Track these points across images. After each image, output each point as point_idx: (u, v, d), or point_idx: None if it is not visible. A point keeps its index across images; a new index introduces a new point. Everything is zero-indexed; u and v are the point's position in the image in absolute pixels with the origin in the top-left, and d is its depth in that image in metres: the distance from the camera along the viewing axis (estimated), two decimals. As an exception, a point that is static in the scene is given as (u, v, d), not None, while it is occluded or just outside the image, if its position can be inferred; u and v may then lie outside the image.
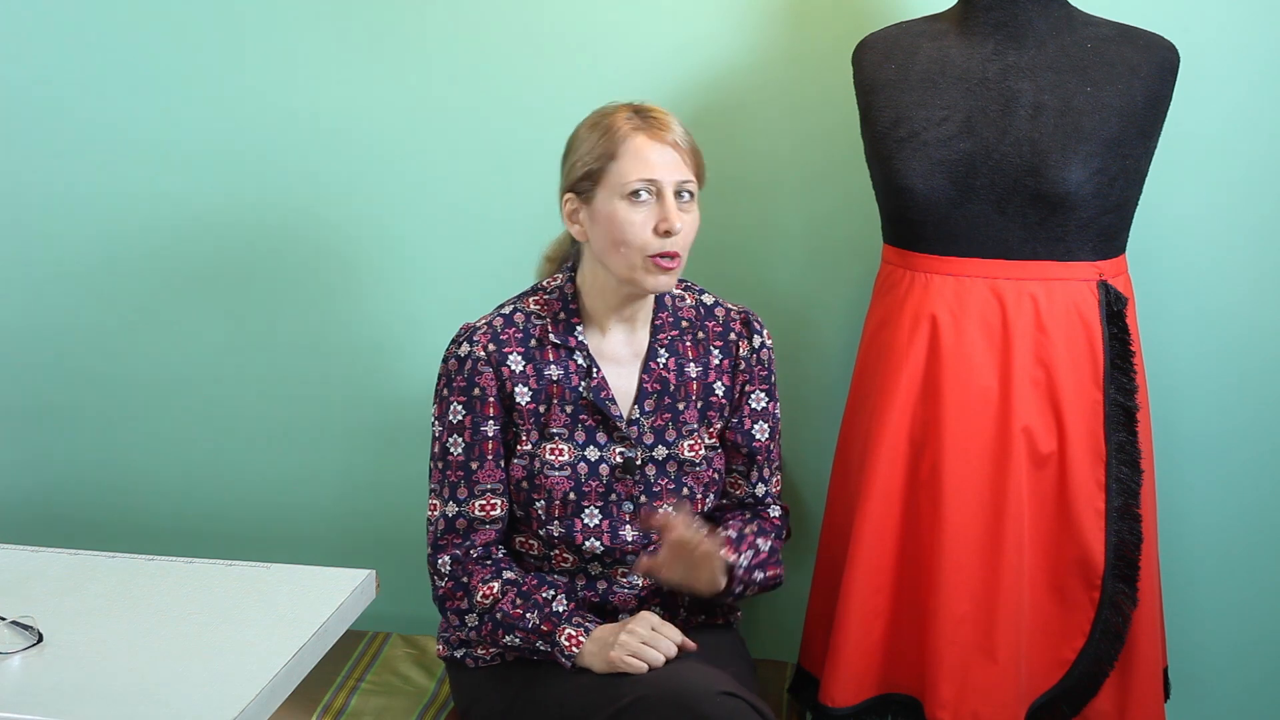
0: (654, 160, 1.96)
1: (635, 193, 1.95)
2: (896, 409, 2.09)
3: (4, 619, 1.72)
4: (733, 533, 2.06)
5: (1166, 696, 2.22)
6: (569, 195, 2.01)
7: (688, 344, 2.11)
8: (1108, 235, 2.07)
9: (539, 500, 2.04)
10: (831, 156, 2.42)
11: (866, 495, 2.10)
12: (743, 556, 2.03)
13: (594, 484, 2.04)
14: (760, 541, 2.07)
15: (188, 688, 1.59)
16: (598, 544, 2.05)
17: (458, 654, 2.13)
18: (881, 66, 2.14)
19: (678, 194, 1.97)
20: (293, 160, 2.58)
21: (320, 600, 1.81)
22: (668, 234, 1.95)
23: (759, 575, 2.07)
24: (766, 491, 2.16)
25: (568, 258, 2.13)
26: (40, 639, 1.68)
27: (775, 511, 2.17)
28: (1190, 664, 2.44)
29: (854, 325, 2.37)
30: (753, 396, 2.13)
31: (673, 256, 1.96)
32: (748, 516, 2.15)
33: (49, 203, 2.67)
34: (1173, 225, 2.35)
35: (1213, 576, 2.45)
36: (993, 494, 2.05)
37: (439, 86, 2.51)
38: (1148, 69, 2.06)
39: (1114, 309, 2.07)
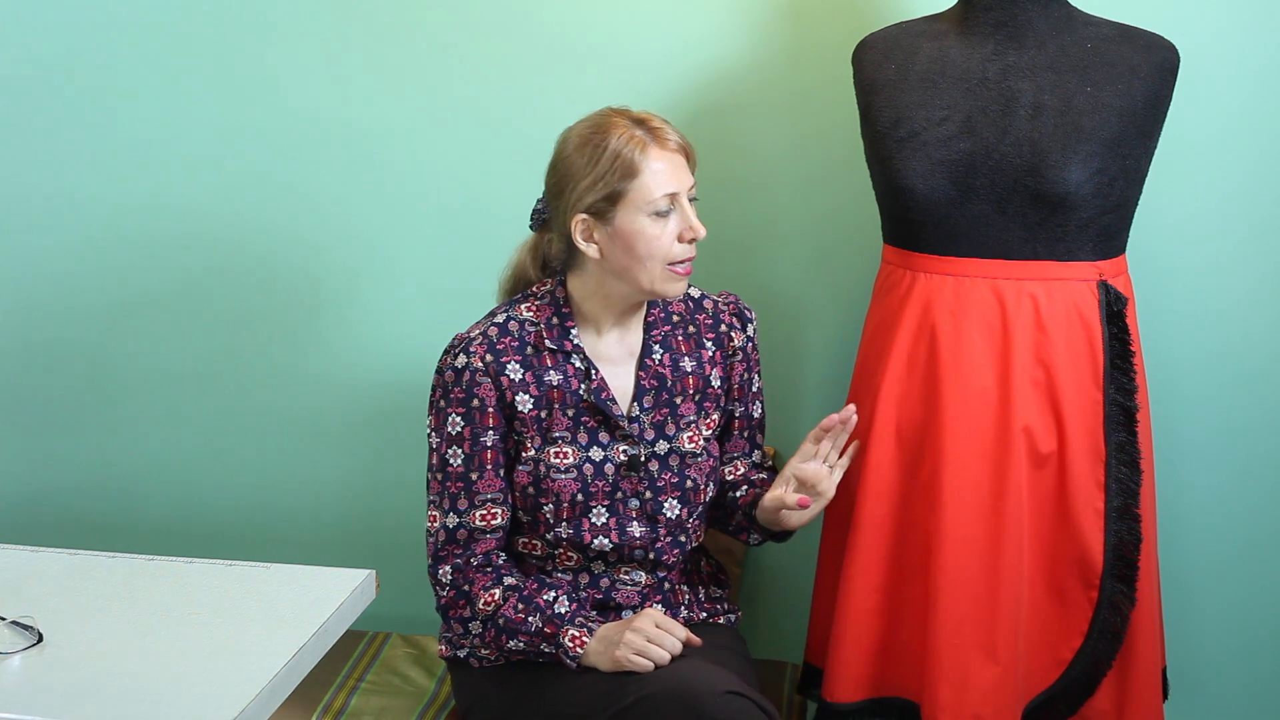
0: (670, 173, 1.98)
1: (661, 208, 1.97)
2: (896, 409, 2.09)
3: (4, 619, 1.72)
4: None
5: (1165, 696, 2.21)
6: (583, 217, 2.00)
7: (679, 339, 2.12)
8: (1108, 235, 2.07)
9: (547, 504, 2.04)
10: (831, 156, 2.42)
11: (864, 495, 2.10)
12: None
13: (600, 483, 2.05)
14: None
15: (188, 688, 1.59)
16: (606, 542, 2.05)
17: (460, 654, 2.13)
18: (881, 66, 2.14)
19: (690, 198, 2.01)
20: (290, 164, 2.58)
21: (320, 600, 1.81)
22: (691, 240, 1.99)
23: None
24: (762, 455, 2.22)
25: (528, 280, 2.12)
26: (40, 639, 1.68)
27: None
28: (1189, 664, 2.44)
29: (854, 325, 2.37)
30: (753, 380, 2.17)
31: (689, 259, 2.01)
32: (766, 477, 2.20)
33: (49, 204, 2.67)
34: (1173, 225, 2.35)
35: (1212, 576, 2.45)
36: (992, 494, 2.05)
37: (437, 87, 2.51)
38: (1148, 69, 2.06)
39: (1114, 309, 2.07)
